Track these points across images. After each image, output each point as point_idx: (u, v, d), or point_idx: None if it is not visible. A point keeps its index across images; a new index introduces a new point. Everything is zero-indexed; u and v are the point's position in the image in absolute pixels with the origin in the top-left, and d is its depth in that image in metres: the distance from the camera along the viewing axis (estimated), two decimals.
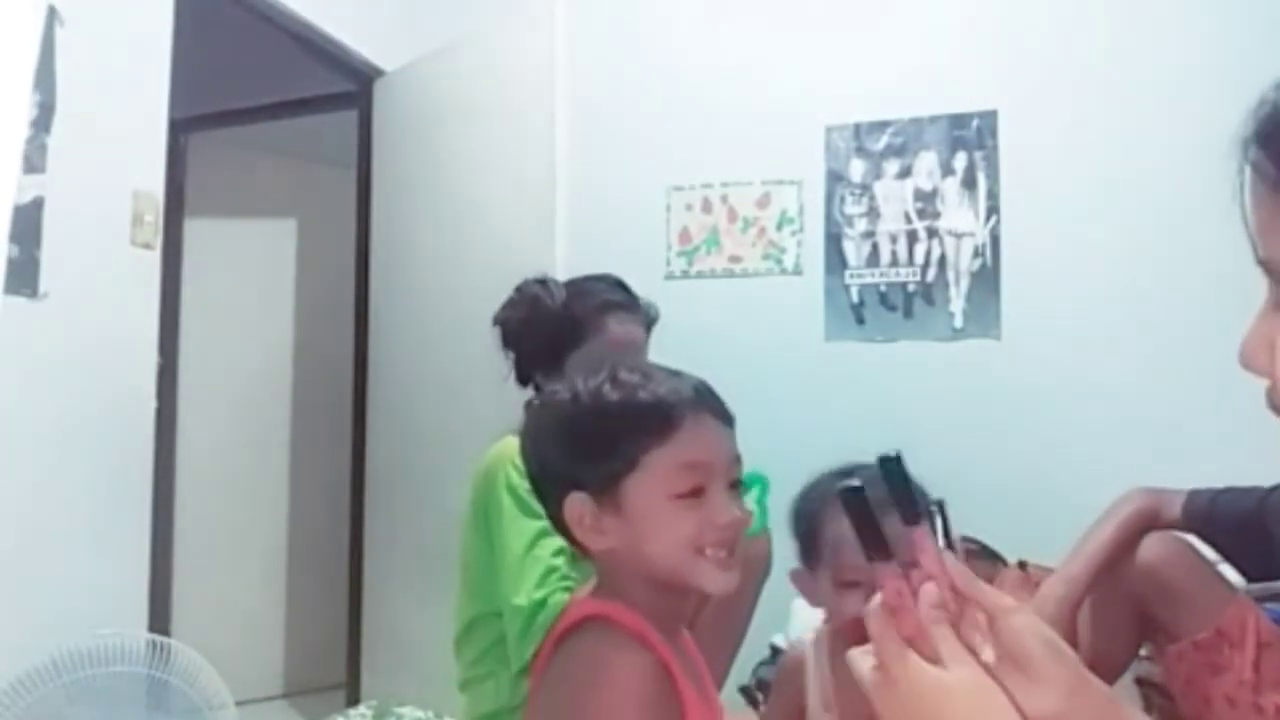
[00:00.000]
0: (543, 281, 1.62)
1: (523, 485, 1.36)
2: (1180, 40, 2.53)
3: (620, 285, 1.67)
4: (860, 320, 2.75)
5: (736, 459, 0.94)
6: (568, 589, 1.38)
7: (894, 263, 2.73)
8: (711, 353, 2.76)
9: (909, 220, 2.73)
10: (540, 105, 2.53)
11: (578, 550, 0.97)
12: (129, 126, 2.18)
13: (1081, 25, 2.62)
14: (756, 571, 1.49)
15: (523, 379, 1.64)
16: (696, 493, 0.89)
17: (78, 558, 2.00)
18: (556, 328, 1.57)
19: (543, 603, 1.37)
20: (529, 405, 1.00)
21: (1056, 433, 2.53)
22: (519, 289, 1.62)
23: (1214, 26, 2.50)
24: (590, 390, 0.93)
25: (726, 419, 0.95)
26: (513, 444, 1.43)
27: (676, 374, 0.96)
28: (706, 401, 0.93)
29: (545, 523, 1.02)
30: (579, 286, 1.64)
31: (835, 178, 2.80)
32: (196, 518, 3.54)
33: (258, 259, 3.82)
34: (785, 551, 1.51)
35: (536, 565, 1.39)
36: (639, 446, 0.89)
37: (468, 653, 1.55)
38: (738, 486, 0.95)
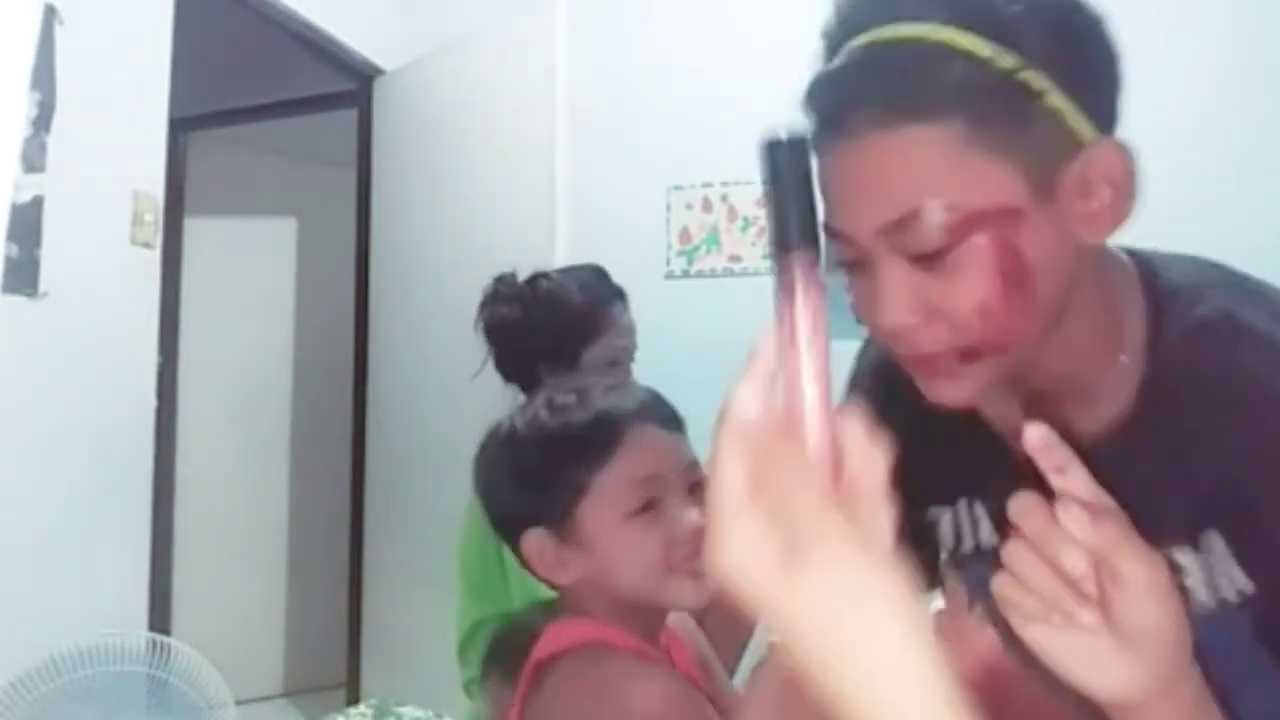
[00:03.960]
0: (546, 276, 1.60)
1: None
2: (1181, 40, 2.53)
3: (605, 273, 1.67)
4: (860, 319, 2.74)
5: (692, 463, 0.90)
6: None
7: None
8: (712, 352, 2.78)
9: None
10: (540, 104, 2.53)
11: (546, 584, 0.92)
12: (129, 126, 2.18)
13: None
14: None
15: (516, 376, 1.61)
16: (651, 506, 0.86)
17: (78, 558, 2.00)
18: (577, 323, 1.56)
19: None
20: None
21: None
22: (517, 287, 1.59)
23: (1216, 27, 2.50)
24: (528, 421, 0.90)
25: (673, 425, 0.92)
26: None
27: (615, 387, 0.93)
28: (647, 411, 0.90)
29: None
30: (581, 279, 1.62)
31: None
32: (196, 518, 3.53)
33: (258, 259, 3.82)
34: None
35: None
36: (583, 470, 0.86)
37: (474, 655, 1.53)
38: (700, 489, 0.85)
